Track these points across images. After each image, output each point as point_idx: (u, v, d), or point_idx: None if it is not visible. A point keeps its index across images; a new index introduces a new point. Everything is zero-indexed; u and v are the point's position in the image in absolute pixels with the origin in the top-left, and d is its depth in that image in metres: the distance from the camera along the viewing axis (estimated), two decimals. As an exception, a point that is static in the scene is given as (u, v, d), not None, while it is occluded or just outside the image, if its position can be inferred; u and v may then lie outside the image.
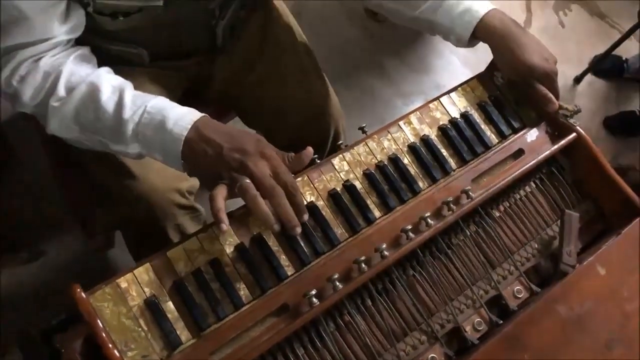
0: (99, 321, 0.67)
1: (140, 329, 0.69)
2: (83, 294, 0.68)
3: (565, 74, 2.19)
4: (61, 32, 0.79)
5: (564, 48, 2.26)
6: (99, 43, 0.90)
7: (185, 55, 1.05)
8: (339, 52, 2.00)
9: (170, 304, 0.71)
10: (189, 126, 0.74)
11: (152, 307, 0.70)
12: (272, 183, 0.72)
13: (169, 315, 0.70)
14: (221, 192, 0.73)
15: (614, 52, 2.13)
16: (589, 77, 2.19)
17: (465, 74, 2.01)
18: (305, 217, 0.76)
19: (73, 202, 1.24)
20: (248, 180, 0.72)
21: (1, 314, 1.42)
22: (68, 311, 0.77)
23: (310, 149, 0.77)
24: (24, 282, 1.48)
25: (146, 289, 0.71)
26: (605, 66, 2.18)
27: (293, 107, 1.12)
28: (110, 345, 0.66)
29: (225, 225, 0.70)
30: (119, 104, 0.76)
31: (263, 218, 0.72)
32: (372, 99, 1.98)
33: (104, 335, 0.66)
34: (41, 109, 0.80)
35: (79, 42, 0.85)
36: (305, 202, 0.80)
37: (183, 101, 1.12)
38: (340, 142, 0.90)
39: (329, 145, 1.17)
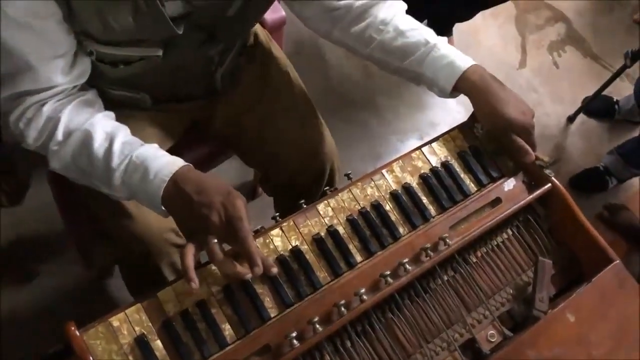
0: (90, 358, 0.72)
1: (129, 366, 0.74)
2: (77, 332, 0.73)
3: (558, 114, 2.25)
4: (65, 81, 0.85)
5: (558, 88, 2.32)
6: (104, 87, 0.96)
7: (186, 99, 1.11)
8: (336, 88, 2.06)
9: (159, 343, 0.76)
10: (167, 178, 0.80)
11: (141, 345, 0.74)
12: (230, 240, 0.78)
13: (157, 354, 0.75)
14: (190, 250, 0.77)
15: (606, 94, 2.18)
16: (581, 117, 2.25)
17: (459, 112, 2.07)
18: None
19: (75, 233, 1.30)
20: (215, 241, 0.78)
21: (1, 335, 1.46)
22: (65, 342, 0.82)
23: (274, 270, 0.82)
24: (25, 306, 1.52)
25: (137, 328, 0.76)
26: (597, 107, 2.24)
27: (290, 148, 1.17)
28: (100, 382, 0.71)
29: (195, 284, 0.75)
30: (108, 152, 0.83)
31: (233, 279, 0.79)
32: (368, 135, 2.03)
33: (94, 371, 0.71)
34: (43, 150, 0.87)
35: (87, 83, 0.92)
36: (289, 246, 0.85)
37: (185, 139, 1.19)
38: (327, 187, 0.95)
39: (324, 183, 1.22)
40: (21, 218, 1.61)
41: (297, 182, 1.19)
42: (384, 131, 2.06)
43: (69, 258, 1.57)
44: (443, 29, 2.19)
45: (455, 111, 2.09)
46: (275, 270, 0.82)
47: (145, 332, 0.76)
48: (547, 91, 2.30)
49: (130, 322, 0.76)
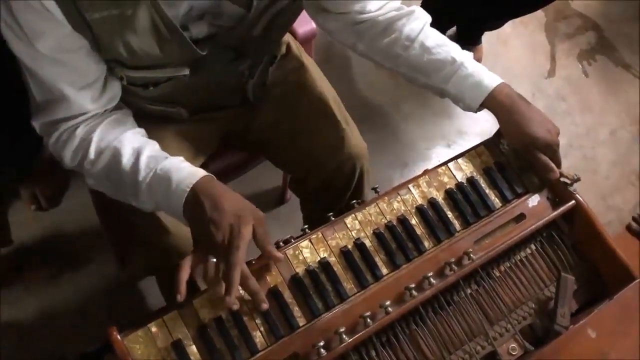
0: (130, 360, 0.77)
1: (166, 369, 0.78)
2: (119, 336, 0.78)
3: (587, 124, 2.24)
4: (96, 107, 0.91)
5: (587, 98, 2.31)
6: (141, 105, 1.01)
7: (221, 108, 1.15)
8: (364, 96, 2.09)
9: (194, 348, 0.80)
10: (188, 189, 0.83)
11: (177, 350, 0.79)
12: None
13: (192, 358, 0.79)
14: (187, 263, 0.81)
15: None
16: (612, 125, 2.24)
17: (487, 120, 2.07)
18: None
19: (112, 240, 1.35)
20: (214, 260, 0.81)
21: (37, 335, 1.53)
22: (103, 340, 0.87)
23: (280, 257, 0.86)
24: (59, 305, 1.59)
25: (173, 334, 0.80)
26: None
27: (323, 154, 1.19)
28: (139, 383, 0.75)
29: (182, 296, 0.79)
30: (135, 167, 0.87)
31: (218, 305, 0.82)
32: (395, 142, 2.06)
33: (134, 373, 0.76)
34: (79, 169, 0.93)
35: (123, 101, 0.97)
36: (318, 258, 0.89)
37: (221, 146, 1.24)
38: (354, 201, 0.98)
39: (354, 186, 1.24)
40: (59, 218, 1.68)
41: (328, 184, 1.22)
42: (410, 139, 2.08)
43: (102, 259, 1.63)
44: (472, 37, 2.20)
45: (483, 120, 2.09)
46: (266, 306, 0.82)
47: (182, 337, 0.80)
48: (576, 100, 2.29)
49: (167, 327, 0.80)
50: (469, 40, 2.20)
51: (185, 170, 0.86)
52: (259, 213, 0.84)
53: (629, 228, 2.06)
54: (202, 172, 0.87)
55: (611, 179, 2.15)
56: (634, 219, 2.08)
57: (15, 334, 1.53)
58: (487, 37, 2.28)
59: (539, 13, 2.46)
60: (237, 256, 0.79)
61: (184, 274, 0.80)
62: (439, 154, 2.05)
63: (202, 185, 0.84)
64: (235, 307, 0.81)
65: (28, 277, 1.61)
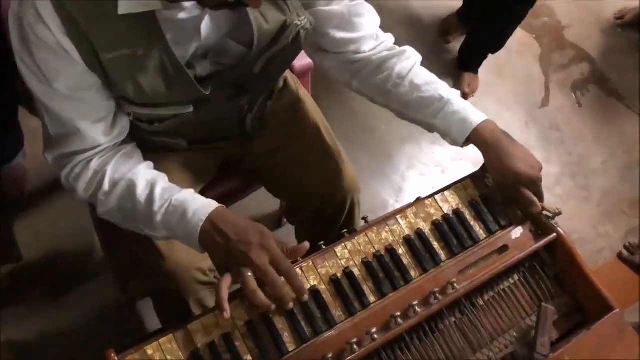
0: (127, 382, 0.81)
1: (160, 391, 0.82)
2: (116, 358, 0.82)
3: (579, 152, 2.29)
4: (107, 140, 0.96)
5: (581, 127, 2.36)
6: (144, 136, 1.06)
7: (219, 140, 1.21)
8: (362, 123, 2.14)
9: (188, 371, 0.84)
10: (204, 218, 0.89)
11: (172, 373, 0.83)
12: (272, 275, 0.86)
13: (186, 380, 0.83)
14: (226, 282, 0.86)
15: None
16: (604, 154, 2.29)
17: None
18: (306, 297, 0.89)
19: (114, 264, 1.40)
20: (250, 274, 0.86)
21: (36, 355, 1.57)
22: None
23: (306, 244, 0.91)
24: (59, 326, 1.62)
25: (168, 357, 0.84)
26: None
27: (315, 185, 1.25)
28: (135, 404, 0.79)
29: (227, 314, 0.84)
30: (150, 197, 0.92)
31: (260, 308, 0.87)
32: (391, 167, 2.11)
33: (130, 395, 0.80)
34: (92, 199, 0.98)
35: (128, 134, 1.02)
36: (308, 285, 0.93)
37: (218, 174, 1.29)
38: (345, 231, 1.02)
39: (345, 217, 1.29)
40: (61, 239, 1.73)
41: (320, 214, 1.27)
42: (406, 165, 2.13)
43: (102, 281, 1.68)
44: (474, 63, 2.28)
45: (476, 148, 2.15)
46: (307, 297, 0.90)
47: (176, 361, 0.84)
48: (569, 130, 2.34)
49: (162, 350, 0.84)
50: (469, 66, 2.28)
51: (200, 201, 0.92)
52: (270, 232, 0.90)
53: (620, 256, 2.09)
54: (215, 203, 0.93)
55: (603, 207, 2.19)
56: (625, 247, 2.11)
57: (14, 354, 1.56)
58: (483, 67, 2.35)
59: (534, 43, 2.53)
60: (291, 266, 0.88)
61: (224, 293, 0.85)
62: (434, 180, 2.09)
63: (218, 214, 0.90)
64: (306, 297, 0.90)
65: (29, 297, 1.65)
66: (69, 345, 1.58)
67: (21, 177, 1.76)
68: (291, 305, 0.89)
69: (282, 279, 0.87)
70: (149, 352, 0.84)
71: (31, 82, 0.87)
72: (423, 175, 2.12)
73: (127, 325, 1.62)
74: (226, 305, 0.84)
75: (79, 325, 1.62)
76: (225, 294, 0.85)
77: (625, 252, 2.07)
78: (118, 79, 0.88)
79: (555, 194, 2.14)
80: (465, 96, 2.24)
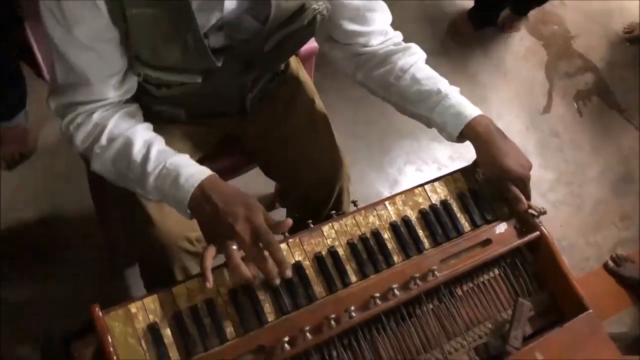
0: (109, 336, 0.83)
1: (141, 348, 0.85)
2: (100, 313, 0.84)
3: (576, 161, 2.31)
4: (114, 95, 0.97)
5: (580, 136, 2.38)
6: (146, 102, 1.08)
7: (218, 115, 1.23)
8: (364, 113, 2.15)
9: (168, 331, 0.87)
10: (196, 184, 0.91)
11: (153, 331, 0.86)
12: (254, 250, 0.88)
13: (166, 340, 0.86)
14: (210, 253, 0.88)
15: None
16: (600, 165, 2.31)
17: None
18: (289, 273, 0.91)
19: (105, 228, 1.42)
20: (235, 247, 0.88)
21: (26, 315, 1.60)
22: (85, 322, 0.93)
23: (289, 220, 0.92)
24: (50, 287, 1.65)
25: (151, 316, 0.87)
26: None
27: (307, 168, 1.27)
28: (115, 358, 0.82)
29: (210, 284, 0.86)
30: (145, 158, 0.94)
31: (243, 280, 0.89)
32: (388, 159, 2.13)
33: (111, 348, 0.82)
34: (87, 152, 0.99)
35: (132, 97, 1.04)
36: (292, 261, 0.95)
37: (214, 150, 1.31)
38: (333, 211, 1.05)
39: (333, 202, 1.32)
40: (57, 204, 1.75)
41: (309, 198, 1.30)
42: (404, 159, 2.15)
43: (94, 247, 1.70)
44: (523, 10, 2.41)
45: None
46: (290, 273, 0.91)
47: (158, 321, 0.87)
48: (568, 138, 2.36)
49: (146, 310, 0.87)
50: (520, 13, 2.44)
51: (193, 168, 0.94)
52: (259, 204, 0.91)
53: (605, 266, 2.13)
54: (208, 171, 0.94)
55: (594, 217, 2.22)
56: (611, 258, 2.15)
57: (5, 313, 1.59)
58: (488, 69, 2.37)
59: (542, 50, 2.55)
60: (274, 239, 0.88)
61: (209, 263, 0.87)
62: (430, 177, 2.09)
63: (209, 183, 0.91)
64: (289, 273, 0.90)
65: (19, 260, 1.67)
66: (56, 307, 1.60)
67: (21, 138, 1.78)
68: (277, 281, 0.91)
69: (267, 253, 0.89)
70: (133, 310, 0.87)
71: (51, 25, 0.87)
72: (420, 171, 2.15)
73: (114, 291, 1.64)
74: (209, 275, 0.86)
75: (66, 291, 1.64)
76: (209, 263, 0.87)
77: (611, 263, 2.11)
78: (137, 37, 0.89)
79: (548, 200, 2.16)
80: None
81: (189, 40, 0.90)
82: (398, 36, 1.15)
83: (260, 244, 0.88)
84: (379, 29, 1.11)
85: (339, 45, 1.13)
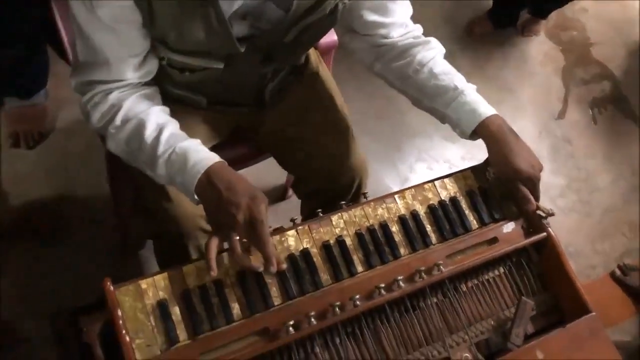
0: (119, 310, 0.85)
1: (149, 323, 0.87)
2: (112, 287, 0.86)
3: (588, 169, 2.31)
4: (134, 77, 0.99)
5: (593, 144, 2.37)
6: (168, 87, 1.10)
7: (237, 105, 1.24)
8: (379, 108, 2.16)
9: (177, 308, 0.89)
10: (202, 170, 0.92)
11: (162, 308, 0.88)
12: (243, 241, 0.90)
13: (174, 317, 0.88)
14: (214, 242, 0.90)
15: None
16: (612, 174, 2.30)
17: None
18: (284, 266, 0.93)
19: (119, 205, 1.45)
20: (237, 237, 0.90)
21: (37, 288, 1.63)
22: (95, 297, 0.96)
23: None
24: (61, 262, 1.68)
25: (160, 293, 0.89)
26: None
27: (323, 161, 1.28)
28: (124, 331, 0.84)
29: (214, 273, 0.88)
30: (156, 141, 0.96)
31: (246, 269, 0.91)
32: (399, 156, 2.15)
33: (120, 322, 0.85)
34: (103, 131, 1.02)
35: (154, 80, 1.06)
36: (301, 247, 0.97)
37: (229, 137, 1.33)
38: (343, 202, 1.06)
39: (350, 197, 1.33)
40: (72, 180, 1.78)
41: (326, 191, 1.31)
42: (415, 157, 2.16)
43: (107, 224, 1.73)
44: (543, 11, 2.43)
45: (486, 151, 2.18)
46: (284, 266, 0.94)
47: (167, 298, 0.89)
48: (581, 145, 2.36)
49: (156, 287, 0.89)
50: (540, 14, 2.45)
51: (201, 154, 0.95)
52: (265, 197, 0.93)
53: (612, 275, 2.13)
54: (217, 157, 0.95)
55: (603, 225, 2.22)
56: (618, 266, 2.15)
57: (15, 288, 1.62)
58: (505, 71, 2.37)
59: (560, 56, 2.54)
60: (265, 231, 0.89)
61: (212, 253, 0.89)
62: (440, 175, 2.12)
63: (215, 170, 0.93)
64: (284, 266, 0.93)
65: (31, 236, 1.70)
66: (66, 282, 1.64)
67: (40, 117, 1.81)
68: (284, 266, 0.93)
69: (272, 242, 0.91)
70: (143, 286, 0.89)
71: (76, 6, 0.89)
72: (431, 169, 2.15)
73: (123, 270, 1.67)
74: (213, 265, 0.88)
75: (76, 268, 1.67)
76: (213, 254, 0.89)
77: (618, 272, 2.11)
78: (162, 20, 0.91)
79: (557, 206, 2.16)
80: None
81: (213, 24, 0.92)
82: (418, 29, 1.16)
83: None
84: (400, 21, 1.13)
85: (359, 37, 1.15)
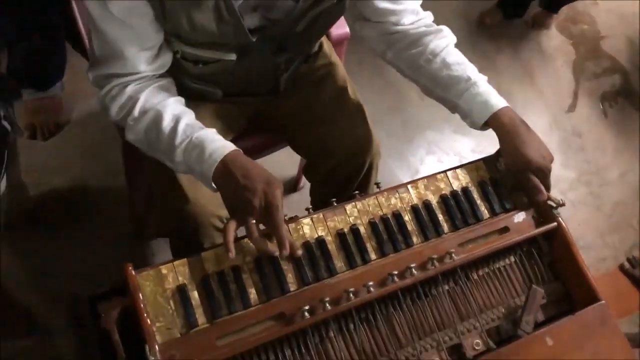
0: (140, 294, 0.88)
1: (169, 307, 0.90)
2: (133, 272, 0.89)
3: (598, 162, 2.32)
4: (148, 69, 1.02)
5: (603, 138, 2.38)
6: (183, 79, 1.12)
7: (252, 95, 1.27)
8: (391, 101, 2.19)
9: (196, 293, 0.92)
10: (219, 159, 0.95)
11: (181, 292, 0.91)
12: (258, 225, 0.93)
13: (193, 302, 0.91)
14: (232, 226, 0.93)
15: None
16: (622, 167, 2.31)
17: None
18: (299, 252, 0.96)
19: (134, 200, 1.47)
20: (254, 221, 0.93)
21: (52, 274, 1.66)
22: (112, 284, 0.98)
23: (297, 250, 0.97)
24: (77, 254, 1.71)
25: (180, 278, 0.92)
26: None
27: (337, 144, 1.30)
28: (145, 314, 0.87)
29: (232, 254, 0.90)
30: (174, 131, 0.98)
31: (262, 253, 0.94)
32: (410, 148, 2.16)
33: (142, 305, 0.87)
34: (122, 122, 1.04)
35: (169, 73, 1.08)
36: (316, 235, 0.99)
37: (247, 128, 1.35)
38: (356, 192, 1.08)
39: (361, 177, 1.33)
40: (88, 171, 1.81)
41: (337, 173, 1.33)
42: (425, 149, 2.18)
43: (121, 217, 1.76)
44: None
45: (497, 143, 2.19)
46: (300, 252, 0.96)
47: (187, 283, 0.92)
48: (591, 139, 2.37)
49: (176, 272, 0.92)
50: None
51: (218, 142, 0.98)
52: (279, 182, 0.95)
53: (621, 268, 2.14)
54: (232, 146, 0.98)
55: (613, 218, 2.23)
56: (628, 260, 2.16)
57: (33, 274, 1.66)
58: (516, 64, 2.37)
59: (570, 49, 2.54)
60: (279, 216, 0.92)
61: (231, 236, 0.92)
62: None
63: (232, 157, 0.95)
64: (300, 252, 0.96)
65: (49, 220, 1.73)
66: (80, 273, 1.66)
67: (57, 108, 1.83)
68: (300, 253, 0.96)
69: (285, 227, 0.94)
70: (164, 271, 0.91)
71: (90, 2, 0.92)
72: (441, 162, 2.17)
73: (137, 260, 1.69)
74: (232, 247, 0.91)
75: (93, 256, 1.70)
76: (231, 237, 0.92)
77: (627, 265, 2.13)
78: (173, 13, 0.93)
79: (567, 199, 2.16)
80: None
81: (224, 14, 0.94)
82: (429, 17, 1.17)
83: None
84: (411, 8, 1.14)
85: (370, 24, 1.16)
